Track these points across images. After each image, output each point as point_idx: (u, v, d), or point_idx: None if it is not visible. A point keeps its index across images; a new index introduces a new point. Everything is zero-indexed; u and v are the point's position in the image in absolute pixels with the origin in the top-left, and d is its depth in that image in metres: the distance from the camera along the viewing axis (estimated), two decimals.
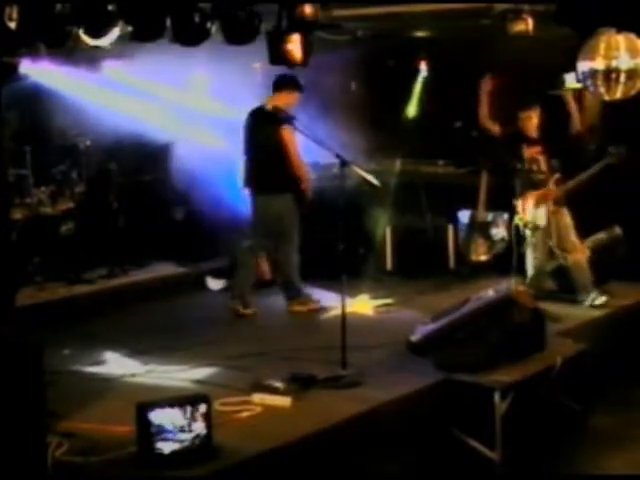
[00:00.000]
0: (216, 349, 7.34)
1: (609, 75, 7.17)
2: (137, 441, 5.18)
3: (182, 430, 5.16)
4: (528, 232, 8.33)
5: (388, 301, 8.79)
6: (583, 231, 8.60)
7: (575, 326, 7.85)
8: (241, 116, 8.79)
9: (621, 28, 7.16)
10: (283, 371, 6.53)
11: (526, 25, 8.15)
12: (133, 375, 6.81)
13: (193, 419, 5.20)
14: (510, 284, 7.83)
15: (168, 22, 7.24)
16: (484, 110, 8.59)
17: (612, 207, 8.93)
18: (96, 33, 7.36)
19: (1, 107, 6.59)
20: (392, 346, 7.24)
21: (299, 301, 8.65)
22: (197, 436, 5.21)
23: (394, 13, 8.45)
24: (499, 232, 9.34)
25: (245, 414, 5.94)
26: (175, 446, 5.15)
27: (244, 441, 5.49)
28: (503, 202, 8.57)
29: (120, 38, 7.48)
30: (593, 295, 8.31)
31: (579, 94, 9.28)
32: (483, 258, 9.35)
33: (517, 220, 8.34)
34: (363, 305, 8.58)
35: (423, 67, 10.99)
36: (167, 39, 7.41)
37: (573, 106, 8.36)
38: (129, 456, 5.22)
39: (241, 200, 9.14)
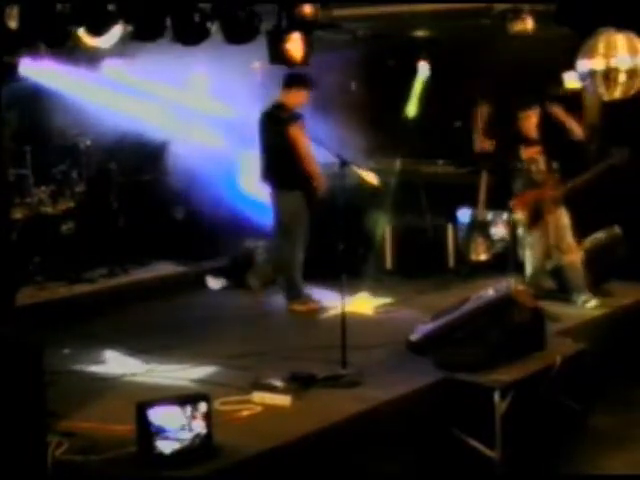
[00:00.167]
0: (216, 348, 7.34)
1: (609, 75, 7.18)
2: (137, 440, 5.18)
3: (182, 429, 5.16)
4: (523, 231, 8.34)
5: (388, 301, 8.79)
6: (583, 231, 8.60)
7: (575, 325, 7.85)
8: (241, 116, 8.79)
9: (621, 28, 7.17)
10: (283, 370, 6.53)
11: (526, 25, 8.15)
12: (133, 374, 6.81)
13: (193, 418, 5.20)
14: (510, 283, 7.83)
15: (168, 22, 7.25)
16: (479, 134, 8.55)
17: (612, 207, 8.93)
18: (96, 33, 7.37)
19: (1, 107, 6.59)
20: (392, 346, 7.24)
21: (299, 301, 8.65)
22: (197, 435, 5.21)
23: (394, 13, 8.46)
24: (499, 232, 9.35)
25: (245, 413, 5.94)
26: (175, 445, 5.15)
27: (244, 440, 5.49)
28: (503, 202, 8.56)
29: (120, 38, 7.49)
30: (585, 297, 8.30)
31: (578, 95, 9.31)
32: (483, 258, 9.35)
33: (513, 219, 8.35)
34: (363, 305, 8.58)
35: (423, 67, 10.98)
36: (167, 39, 7.42)
37: (562, 115, 8.26)
38: (129, 455, 5.22)
39: (241, 199, 9.15)
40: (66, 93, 9.65)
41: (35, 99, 9.68)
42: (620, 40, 7.15)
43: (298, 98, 8.44)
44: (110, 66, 9.94)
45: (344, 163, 7.14)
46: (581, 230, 8.54)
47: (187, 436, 5.18)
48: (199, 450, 5.22)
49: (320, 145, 7.76)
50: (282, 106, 8.43)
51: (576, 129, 8.22)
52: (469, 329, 6.77)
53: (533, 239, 8.33)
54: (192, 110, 10.37)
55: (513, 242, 8.45)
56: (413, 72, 11.01)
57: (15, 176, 9.08)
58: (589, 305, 8.27)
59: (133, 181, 10.32)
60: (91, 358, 7.18)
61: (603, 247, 8.68)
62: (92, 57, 9.46)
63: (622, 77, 7.14)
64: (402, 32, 10.05)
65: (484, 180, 9.32)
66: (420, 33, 10.12)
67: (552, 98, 8.86)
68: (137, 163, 10.40)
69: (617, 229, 8.78)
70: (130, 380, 6.72)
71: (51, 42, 7.65)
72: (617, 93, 7.23)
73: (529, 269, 8.38)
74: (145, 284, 9.49)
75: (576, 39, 7.43)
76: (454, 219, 9.79)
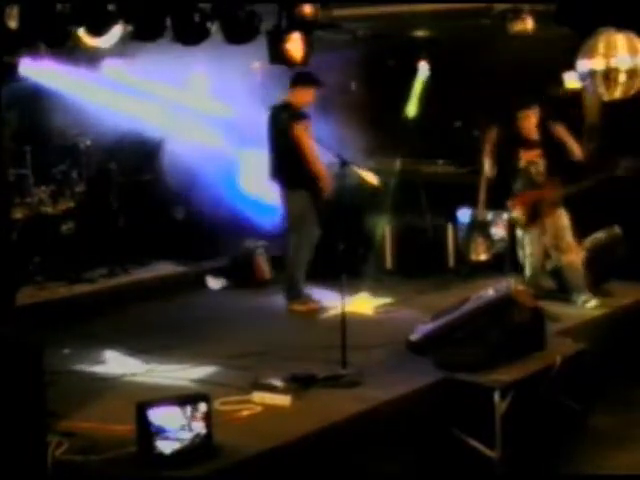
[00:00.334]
0: (216, 348, 7.34)
1: (609, 75, 7.18)
2: (137, 440, 5.18)
3: (182, 429, 5.16)
4: (520, 231, 8.34)
5: (388, 301, 8.79)
6: (583, 231, 8.60)
7: (575, 325, 7.85)
8: (241, 115, 8.79)
9: (621, 27, 7.17)
10: (283, 370, 6.53)
11: (526, 25, 8.16)
12: (133, 374, 6.81)
13: (193, 418, 5.20)
14: (510, 283, 7.83)
15: (168, 22, 7.25)
16: (488, 158, 8.51)
17: (612, 207, 8.93)
18: (96, 33, 7.37)
19: (1, 107, 6.59)
20: (392, 346, 7.24)
21: (299, 301, 8.65)
22: (197, 435, 5.21)
23: (394, 13, 8.46)
24: (499, 232, 9.34)
25: (245, 413, 5.94)
26: (175, 445, 5.15)
27: (244, 440, 5.49)
28: (503, 202, 8.56)
29: (120, 38, 7.49)
30: (584, 297, 8.30)
31: (579, 96, 9.31)
32: (483, 258, 9.34)
33: (511, 217, 8.36)
34: (363, 305, 8.58)
35: (423, 67, 10.99)
36: (167, 39, 7.42)
37: (564, 135, 8.22)
38: (129, 455, 5.22)
39: (241, 199, 9.15)
40: (66, 93, 9.64)
41: (35, 99, 9.68)
42: (620, 40, 7.15)
43: (305, 97, 8.45)
44: (110, 66, 9.94)
45: (344, 163, 7.14)
46: (581, 230, 8.55)
47: (187, 436, 5.17)
48: (199, 450, 5.22)
49: (320, 145, 7.77)
50: (289, 105, 8.44)
51: (576, 150, 8.16)
52: (469, 329, 6.77)
53: (531, 239, 8.34)
54: (192, 110, 10.37)
55: (511, 241, 8.45)
56: (413, 72, 11.02)
57: (15, 176, 9.08)
58: (589, 305, 8.27)
59: (133, 181, 10.32)
60: (91, 358, 7.18)
61: (603, 247, 8.67)
62: (92, 57, 9.46)
63: (622, 77, 7.14)
64: (402, 32, 10.06)
65: (484, 180, 9.30)
66: (420, 33, 10.13)
67: (552, 98, 8.87)
68: (137, 163, 10.41)
69: (617, 229, 8.78)
70: (130, 380, 6.72)
71: (51, 42, 7.65)
72: (617, 93, 7.23)
73: (528, 269, 8.38)
74: (145, 284, 9.49)
75: (576, 39, 7.43)
76: (454, 219, 9.79)
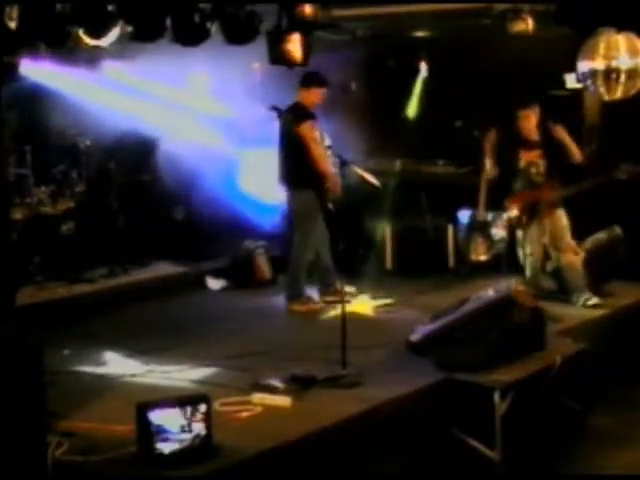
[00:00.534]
0: (216, 349, 7.34)
1: (609, 75, 7.18)
2: (137, 441, 5.18)
3: (182, 430, 5.16)
4: (520, 231, 8.34)
5: (388, 301, 8.79)
6: (583, 232, 8.60)
7: (575, 326, 7.85)
8: (241, 116, 8.79)
9: (621, 28, 7.16)
10: (283, 371, 6.53)
11: (526, 25, 8.15)
12: (133, 375, 6.81)
13: (193, 419, 5.19)
14: (510, 284, 7.83)
15: (168, 22, 7.24)
16: (489, 159, 8.51)
17: (612, 208, 8.93)
18: (96, 33, 7.36)
19: (1, 107, 6.58)
20: (392, 346, 7.23)
21: (299, 301, 8.65)
22: (197, 436, 5.21)
23: (394, 13, 8.45)
24: (499, 232, 9.33)
25: (245, 414, 5.94)
26: (175, 446, 5.15)
27: (244, 441, 5.48)
28: (503, 203, 8.56)
29: (120, 38, 7.48)
30: (586, 296, 8.30)
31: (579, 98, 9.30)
32: (483, 258, 9.32)
33: (508, 217, 8.36)
34: (363, 305, 8.58)
35: (423, 67, 10.99)
36: (167, 39, 7.42)
37: (565, 137, 8.22)
38: (129, 456, 5.22)
39: (241, 200, 9.15)
40: (66, 93, 9.64)
41: (35, 99, 9.68)
42: (620, 40, 7.15)
43: (315, 97, 8.45)
44: (110, 66, 9.94)
45: (344, 163, 7.15)
46: (582, 231, 8.54)
47: (187, 437, 5.17)
48: (199, 451, 5.22)
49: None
50: (297, 105, 8.44)
51: (576, 153, 8.17)
52: (469, 329, 6.76)
53: (531, 239, 8.33)
54: (192, 110, 10.37)
55: (510, 242, 8.44)
56: (413, 72, 11.02)
57: (15, 176, 9.09)
58: (590, 302, 8.26)
59: (133, 181, 10.32)
60: (91, 358, 7.17)
61: (604, 248, 8.66)
62: (92, 57, 9.46)
63: (622, 77, 7.14)
64: (402, 32, 10.06)
65: (484, 180, 9.30)
66: (420, 33, 10.13)
67: (552, 98, 8.86)
68: (137, 163, 10.41)
69: (617, 229, 8.78)
70: (130, 380, 6.72)
71: (51, 42, 7.64)
72: (617, 93, 7.23)
73: (529, 269, 8.38)
74: (145, 284, 9.48)
75: (576, 39, 7.42)
76: (454, 219, 9.79)
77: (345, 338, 6.70)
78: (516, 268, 8.35)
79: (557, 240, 8.34)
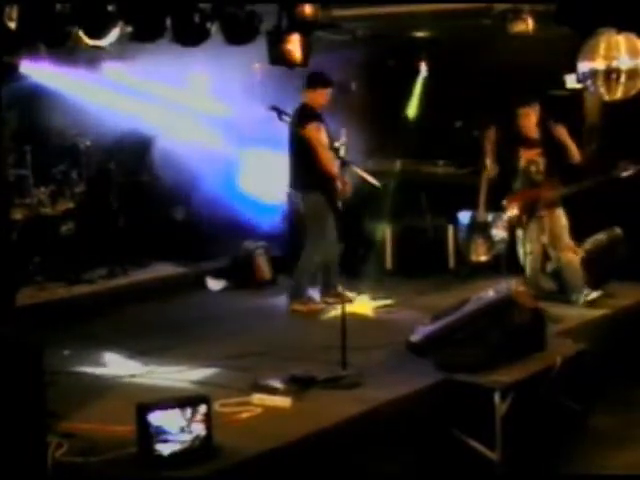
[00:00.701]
0: (216, 349, 7.33)
1: (609, 75, 7.18)
2: (137, 442, 5.17)
3: (182, 431, 5.16)
4: (520, 230, 8.34)
5: (388, 301, 8.78)
6: (583, 231, 8.59)
7: (575, 326, 7.85)
8: (240, 116, 8.78)
9: (621, 28, 7.17)
10: (283, 371, 6.52)
11: (526, 25, 8.15)
12: (133, 376, 6.80)
13: (193, 420, 5.19)
14: (510, 284, 7.82)
15: (168, 22, 7.24)
16: (489, 158, 8.52)
17: (612, 208, 8.93)
18: (96, 33, 7.36)
19: (1, 107, 6.58)
20: (392, 346, 7.23)
21: (300, 301, 8.65)
22: (197, 437, 5.20)
23: (394, 13, 8.46)
24: (499, 233, 9.34)
25: (245, 415, 5.93)
26: (175, 447, 5.14)
27: (244, 442, 5.48)
28: (503, 202, 8.56)
29: (120, 38, 7.48)
30: (585, 292, 8.30)
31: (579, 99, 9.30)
32: (483, 258, 9.33)
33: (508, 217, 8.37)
34: (363, 305, 8.58)
35: (423, 67, 10.98)
36: (167, 39, 7.41)
37: (565, 137, 8.19)
38: (129, 456, 5.21)
39: (240, 200, 9.14)
40: (66, 93, 9.64)
41: (35, 99, 9.68)
42: (620, 41, 7.16)
43: (321, 98, 8.44)
44: (110, 66, 9.94)
45: (344, 163, 7.14)
46: (581, 231, 8.54)
47: (187, 438, 5.17)
48: (199, 451, 5.21)
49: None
50: (304, 107, 8.43)
51: (575, 154, 8.17)
52: (469, 330, 6.76)
53: (531, 237, 8.33)
54: (192, 110, 10.37)
55: (510, 242, 8.44)
56: (413, 72, 11.02)
57: (15, 176, 9.08)
58: (590, 297, 8.26)
59: (133, 181, 10.32)
60: (91, 359, 7.17)
61: (604, 248, 8.67)
62: (92, 58, 9.46)
63: (623, 77, 7.15)
64: (402, 32, 10.06)
65: (484, 180, 9.30)
66: (420, 33, 10.13)
67: (552, 98, 8.86)
68: (137, 163, 10.40)
69: (618, 230, 8.78)
70: (130, 381, 6.71)
71: (51, 42, 7.63)
72: (618, 93, 7.23)
73: (528, 268, 8.38)
74: (145, 285, 9.48)
75: (576, 39, 7.42)
76: (454, 220, 9.79)
77: (345, 339, 6.69)
78: (516, 269, 8.35)
79: (556, 239, 8.35)
